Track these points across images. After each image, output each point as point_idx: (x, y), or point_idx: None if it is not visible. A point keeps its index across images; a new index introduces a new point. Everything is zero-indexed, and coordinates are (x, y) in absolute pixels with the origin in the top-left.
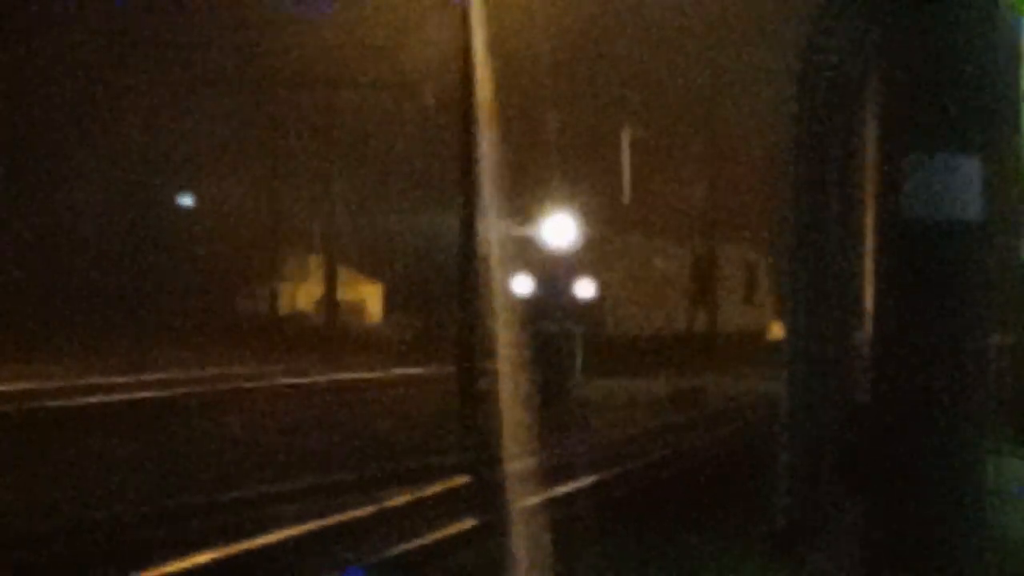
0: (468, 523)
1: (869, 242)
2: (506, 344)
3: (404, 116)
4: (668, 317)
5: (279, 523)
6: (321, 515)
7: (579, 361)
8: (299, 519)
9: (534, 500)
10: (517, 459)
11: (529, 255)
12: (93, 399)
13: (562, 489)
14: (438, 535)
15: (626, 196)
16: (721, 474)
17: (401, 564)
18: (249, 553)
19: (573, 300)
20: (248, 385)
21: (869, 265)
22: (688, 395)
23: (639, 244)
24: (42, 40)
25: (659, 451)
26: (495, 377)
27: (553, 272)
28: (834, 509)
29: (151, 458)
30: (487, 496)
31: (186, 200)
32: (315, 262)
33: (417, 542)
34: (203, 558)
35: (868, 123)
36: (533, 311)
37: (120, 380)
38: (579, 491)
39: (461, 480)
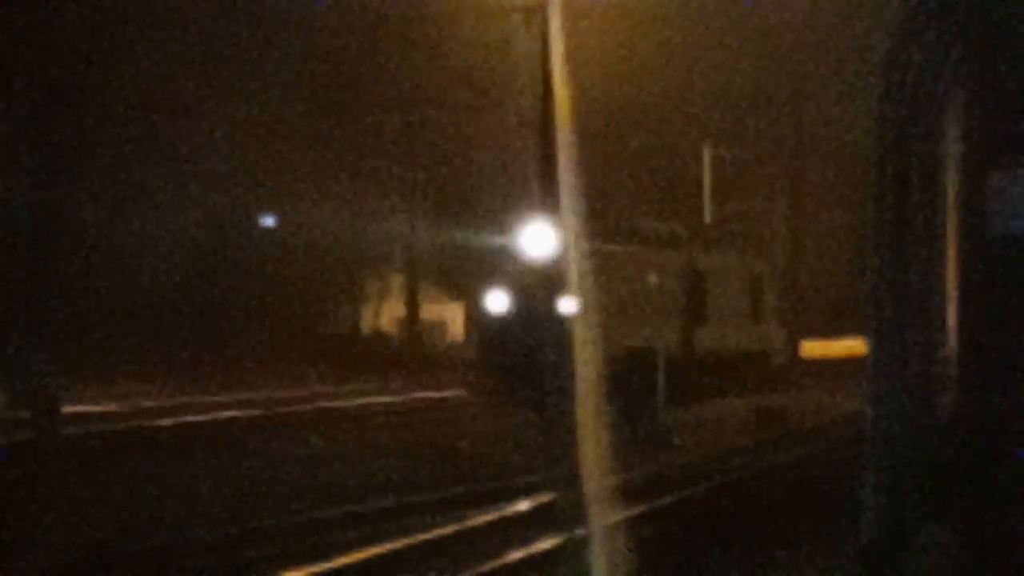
0: (551, 541)
1: (952, 259)
2: (588, 362)
3: (486, 135)
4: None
5: (368, 542)
6: (407, 534)
7: (662, 379)
8: (385, 538)
9: (618, 517)
10: (600, 477)
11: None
12: (182, 419)
13: (648, 506)
14: (523, 553)
15: (707, 214)
16: (805, 491)
17: None
18: (336, 572)
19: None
20: (331, 405)
21: (952, 282)
22: (768, 415)
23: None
24: (126, 57)
25: (740, 469)
26: (578, 395)
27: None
28: (919, 526)
29: (243, 477)
30: (572, 514)
31: (268, 221)
32: (397, 281)
33: (501, 560)
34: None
35: (951, 139)
36: (615, 328)
37: (206, 400)
38: (664, 508)
39: (546, 498)
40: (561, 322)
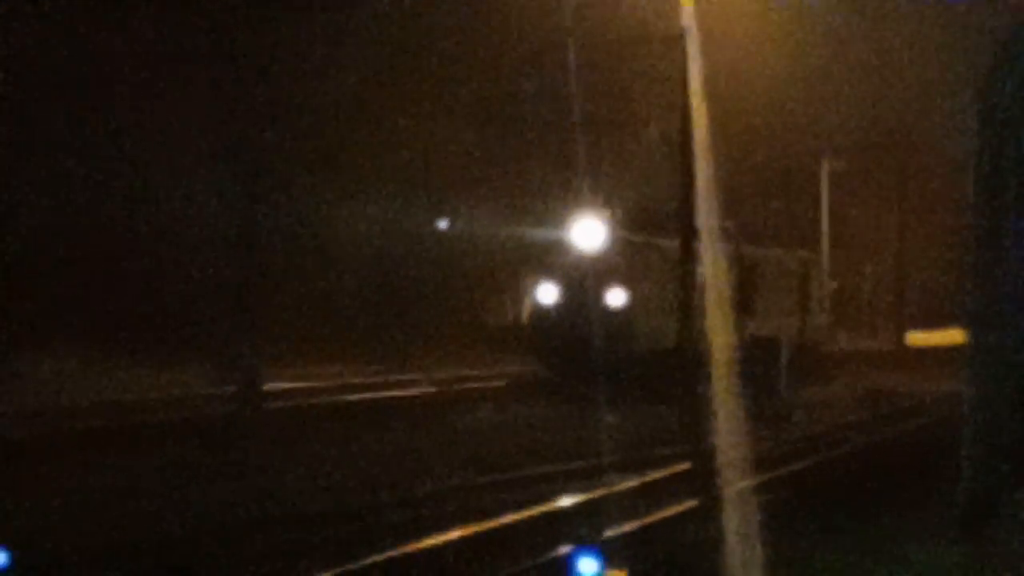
0: (690, 503)
1: None
2: (721, 347)
3: (632, 149)
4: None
5: (522, 506)
6: (559, 497)
7: (785, 362)
8: (539, 501)
9: (746, 484)
10: (731, 449)
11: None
12: (368, 395)
13: (771, 474)
14: (662, 514)
15: (824, 222)
16: (908, 461)
17: (632, 539)
18: (496, 530)
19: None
20: (497, 385)
21: None
22: (874, 395)
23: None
24: (324, 76)
25: (852, 442)
26: (713, 376)
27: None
28: (1011, 495)
29: (424, 445)
30: (704, 480)
31: (442, 224)
32: None
33: (648, 519)
34: (466, 532)
35: None
36: (742, 315)
37: (389, 379)
38: (785, 476)
39: (682, 467)
40: (696, 315)
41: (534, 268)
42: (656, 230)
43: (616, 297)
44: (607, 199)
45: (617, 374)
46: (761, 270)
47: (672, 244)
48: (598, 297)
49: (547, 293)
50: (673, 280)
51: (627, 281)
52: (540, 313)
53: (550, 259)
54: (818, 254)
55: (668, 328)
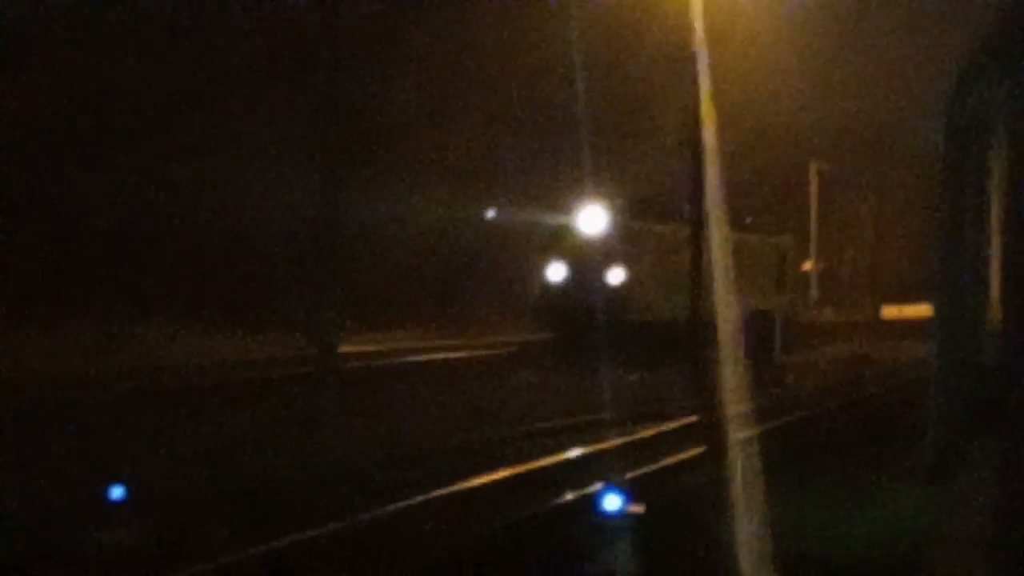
0: (697, 450)
1: (996, 246)
2: (725, 319)
3: (643, 151)
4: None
5: (552, 451)
6: (584, 445)
7: (779, 332)
8: (569, 448)
9: (745, 434)
10: (732, 405)
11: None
12: (426, 358)
13: (765, 426)
14: (675, 458)
15: (813, 215)
16: (884, 415)
17: (650, 479)
18: (532, 471)
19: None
20: (529, 349)
21: (997, 263)
22: (856, 360)
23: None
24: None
25: (836, 400)
26: (718, 345)
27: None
28: (970, 448)
29: (482, 400)
30: (711, 431)
31: (491, 212)
32: None
33: (663, 462)
34: (505, 473)
35: (996, 155)
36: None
37: (448, 343)
38: (777, 427)
39: (690, 419)
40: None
41: (544, 250)
42: (653, 217)
43: (616, 275)
44: (610, 190)
45: (616, 342)
46: (748, 252)
47: (666, 229)
48: (600, 275)
49: (556, 272)
50: (666, 260)
51: (626, 261)
52: (549, 289)
53: (557, 242)
54: (794, 240)
55: (661, 302)
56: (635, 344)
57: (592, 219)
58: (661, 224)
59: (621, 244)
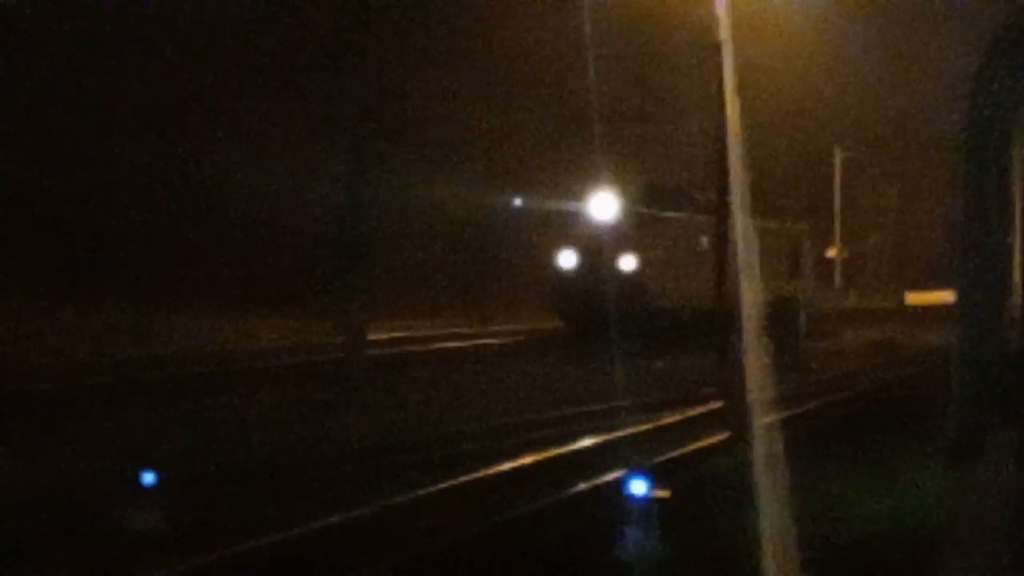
0: (722, 435)
1: (1018, 234)
2: (750, 305)
3: (673, 144)
4: None
5: (580, 437)
6: (612, 430)
7: (803, 319)
8: (597, 433)
9: (770, 419)
10: (758, 390)
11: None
12: (451, 344)
13: (789, 412)
14: (701, 444)
15: (836, 202)
16: (908, 400)
17: (676, 464)
18: (559, 457)
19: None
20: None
21: (1019, 250)
22: (880, 346)
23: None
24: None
25: (861, 385)
26: (743, 331)
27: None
28: (994, 431)
29: (501, 385)
30: (736, 416)
31: (517, 201)
32: None
33: (688, 447)
34: (528, 460)
35: (1019, 144)
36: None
37: (468, 331)
38: (801, 413)
39: (717, 405)
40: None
41: (555, 237)
42: (664, 204)
43: (628, 262)
44: (622, 177)
45: (638, 329)
46: (765, 239)
47: (677, 216)
48: (612, 262)
49: (571, 259)
50: (677, 247)
51: (637, 248)
52: (565, 277)
53: (569, 229)
54: (809, 227)
55: (673, 289)
56: (659, 331)
57: (604, 207)
58: (676, 211)
59: (637, 231)
